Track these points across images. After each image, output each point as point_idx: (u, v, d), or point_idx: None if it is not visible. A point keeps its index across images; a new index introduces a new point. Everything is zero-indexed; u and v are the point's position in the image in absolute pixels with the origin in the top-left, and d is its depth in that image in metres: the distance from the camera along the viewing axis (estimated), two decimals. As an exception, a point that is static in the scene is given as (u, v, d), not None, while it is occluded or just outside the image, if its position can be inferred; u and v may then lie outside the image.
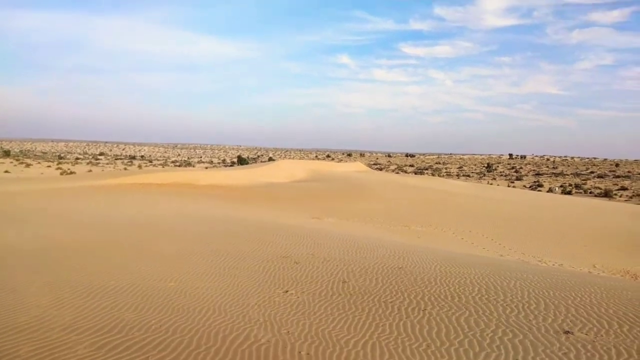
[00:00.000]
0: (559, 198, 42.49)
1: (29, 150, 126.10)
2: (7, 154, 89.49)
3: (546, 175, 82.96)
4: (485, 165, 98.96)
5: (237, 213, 18.63)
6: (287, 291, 6.81)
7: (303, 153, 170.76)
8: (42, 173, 54.53)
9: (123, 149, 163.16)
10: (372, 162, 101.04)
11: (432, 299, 6.72)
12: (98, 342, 4.59)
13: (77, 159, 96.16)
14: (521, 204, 31.55)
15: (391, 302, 6.52)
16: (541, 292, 7.27)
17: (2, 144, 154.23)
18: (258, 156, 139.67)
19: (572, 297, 7.02)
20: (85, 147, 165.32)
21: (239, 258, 8.93)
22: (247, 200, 25.21)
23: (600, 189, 59.99)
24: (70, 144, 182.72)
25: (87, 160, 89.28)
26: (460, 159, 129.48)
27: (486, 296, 6.95)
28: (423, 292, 7.04)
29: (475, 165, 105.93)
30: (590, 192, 58.16)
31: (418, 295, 6.85)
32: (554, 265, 17.86)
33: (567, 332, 5.50)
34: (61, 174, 54.36)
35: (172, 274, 7.47)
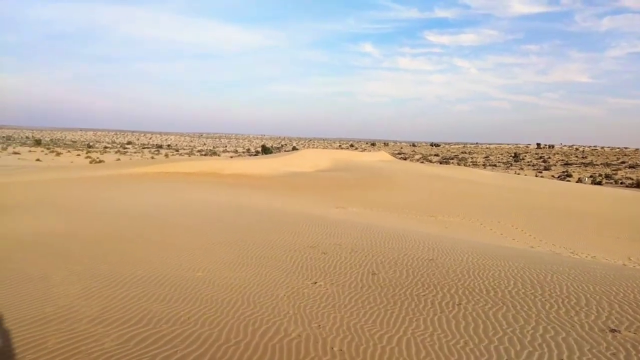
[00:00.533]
0: (589, 188, 41.34)
1: (59, 139, 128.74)
2: (38, 142, 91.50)
3: (575, 165, 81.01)
4: (512, 154, 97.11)
5: (263, 202, 18.53)
6: (315, 282, 6.63)
7: (327, 142, 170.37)
8: (71, 162, 55.56)
9: (150, 138, 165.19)
10: (396, 152, 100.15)
11: (467, 292, 6.46)
12: (125, 334, 4.48)
13: (106, 147, 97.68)
14: (550, 194, 30.78)
15: (424, 295, 6.28)
16: (580, 287, 6.93)
17: (33, 133, 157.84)
18: (282, 145, 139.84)
19: (613, 293, 6.67)
20: (113, 136, 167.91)
21: (267, 247, 8.79)
22: (272, 189, 25.10)
23: (632, 179, 58.21)
24: (99, 133, 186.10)
25: (115, 149, 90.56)
26: (487, 148, 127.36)
27: (523, 290, 6.65)
28: (457, 285, 6.78)
29: (501, 154, 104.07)
30: (622, 183, 56.49)
31: (452, 289, 6.59)
32: (586, 257, 17.34)
33: (613, 331, 5.18)
34: (90, 162, 55.32)
35: (200, 264, 7.36)
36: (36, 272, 6.42)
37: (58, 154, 66.38)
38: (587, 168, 76.23)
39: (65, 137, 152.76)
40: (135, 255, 7.79)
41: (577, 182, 56.48)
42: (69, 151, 74.08)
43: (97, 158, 61.78)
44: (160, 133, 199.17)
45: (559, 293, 6.55)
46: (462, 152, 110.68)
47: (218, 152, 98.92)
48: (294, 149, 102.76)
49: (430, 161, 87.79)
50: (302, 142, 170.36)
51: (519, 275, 7.54)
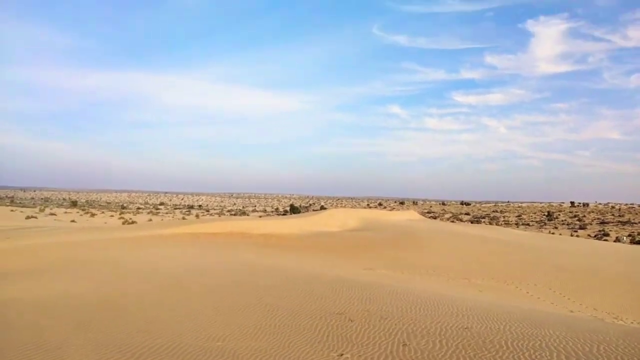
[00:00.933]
0: (628, 248, 39.51)
1: (94, 201, 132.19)
2: (74, 204, 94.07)
3: (612, 224, 78.13)
4: (546, 213, 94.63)
5: (290, 263, 18.18)
6: (342, 355, 6.21)
7: (355, 201, 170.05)
8: (105, 222, 56.57)
9: (182, 199, 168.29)
10: (425, 211, 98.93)
11: (506, 367, 5.93)
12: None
13: (139, 208, 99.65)
14: (588, 255, 29.43)
15: (459, 370, 5.79)
16: (632, 361, 6.31)
17: (70, 194, 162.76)
18: (310, 205, 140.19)
19: (671, 368, 6.02)
20: (146, 197, 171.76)
21: (291, 313, 8.42)
22: (300, 249, 24.76)
23: (675, 238, 55.61)
24: (133, 194, 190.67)
25: (148, 210, 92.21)
26: (519, 207, 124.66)
27: (568, 365, 6.08)
28: (494, 358, 6.25)
29: (534, 213, 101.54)
30: (662, 242, 53.98)
31: (489, 363, 6.07)
32: (632, 323, 16.22)
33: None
34: (123, 223, 56.17)
35: (220, 331, 7.04)
36: (54, 339, 6.23)
37: (92, 214, 67.84)
38: (625, 227, 73.40)
39: (101, 198, 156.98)
40: (155, 322, 7.54)
41: (614, 241, 54.20)
42: (103, 212, 75.70)
43: (130, 219, 62.81)
44: (192, 194, 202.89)
45: (608, 368, 5.96)
46: (493, 211, 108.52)
47: (247, 212, 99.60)
48: (322, 208, 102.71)
49: (461, 220, 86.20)
50: (331, 201, 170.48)
51: (562, 346, 6.94)
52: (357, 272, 17.97)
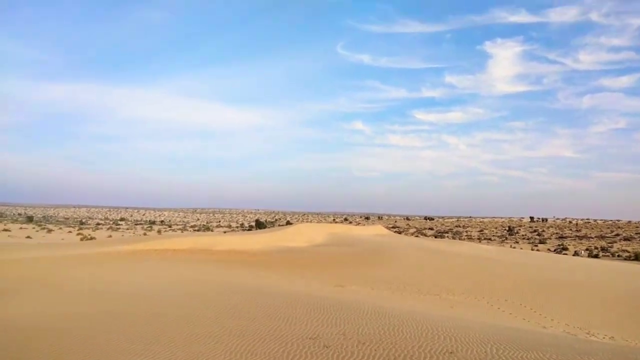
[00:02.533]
0: (589, 262, 40.12)
1: (51, 216, 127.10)
2: (30, 219, 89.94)
3: (570, 238, 79.99)
4: (507, 228, 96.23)
5: (255, 281, 17.23)
6: (319, 389, 5.38)
7: (321, 216, 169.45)
8: (62, 239, 53.98)
9: (143, 215, 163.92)
10: (390, 225, 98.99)
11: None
12: None
13: (98, 224, 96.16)
14: (553, 269, 29.52)
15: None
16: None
17: (25, 209, 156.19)
18: (276, 220, 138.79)
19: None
20: (106, 213, 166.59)
21: (259, 339, 7.50)
22: (266, 266, 23.82)
23: (629, 252, 57.08)
24: (92, 209, 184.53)
25: (108, 226, 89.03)
26: (481, 222, 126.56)
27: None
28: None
29: (496, 228, 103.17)
30: (619, 255, 55.32)
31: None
32: (603, 338, 15.97)
33: None
34: (81, 239, 53.70)
35: (178, 363, 6.09)
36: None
37: (49, 230, 64.82)
38: (582, 241, 75.22)
39: (58, 213, 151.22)
40: (114, 352, 6.53)
41: (573, 255, 55.16)
42: (60, 228, 72.51)
43: (89, 235, 60.22)
44: (154, 209, 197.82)
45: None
46: (456, 226, 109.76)
47: (211, 227, 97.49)
48: (288, 223, 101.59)
49: (425, 235, 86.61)
50: (297, 216, 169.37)
51: (558, 372, 6.31)
52: (328, 289, 17.18)
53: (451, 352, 7.08)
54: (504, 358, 6.92)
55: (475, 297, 20.18)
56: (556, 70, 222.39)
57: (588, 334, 16.45)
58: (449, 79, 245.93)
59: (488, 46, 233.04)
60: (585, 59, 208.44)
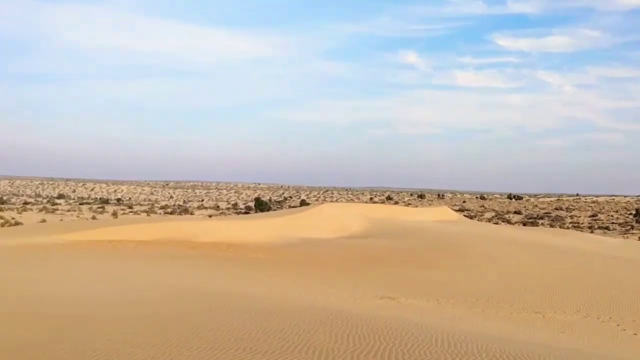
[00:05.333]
0: None
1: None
2: None
3: None
4: (634, 211, 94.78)
5: (263, 290, 16.87)
6: None
7: (351, 194, 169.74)
8: (-30, 225, 54.83)
9: (92, 190, 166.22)
10: (456, 207, 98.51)
11: None
12: None
13: (26, 203, 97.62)
14: None
15: None
16: None
17: None
18: (285, 199, 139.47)
19: None
20: (38, 187, 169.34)
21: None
22: (273, 266, 23.72)
23: None
24: (18, 181, 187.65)
25: (40, 206, 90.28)
26: (593, 202, 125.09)
27: None
28: None
29: (617, 211, 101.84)
30: None
31: None
32: None
33: None
34: (1, 225, 54.49)
35: None
36: None
37: (-47, 212, 65.92)
38: None
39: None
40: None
41: None
42: (-30, 209, 73.73)
43: (13, 219, 61.08)
44: (107, 182, 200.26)
45: None
46: (555, 209, 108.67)
47: (191, 209, 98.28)
48: (304, 203, 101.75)
49: (509, 221, 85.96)
50: (315, 192, 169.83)
51: None
52: (372, 303, 16.80)
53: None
54: None
55: (598, 316, 19.70)
56: None
57: None
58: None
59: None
60: None
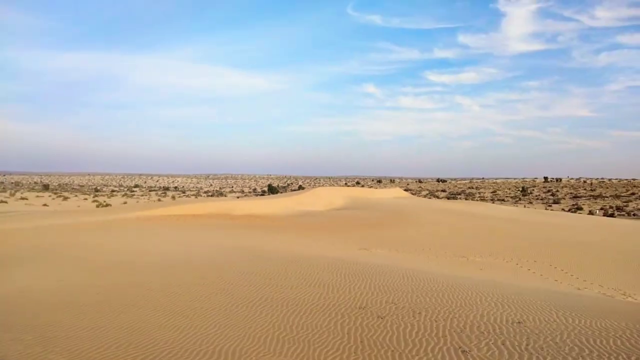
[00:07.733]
0: (608, 221, 39.19)
1: (67, 184, 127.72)
2: (46, 187, 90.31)
3: (584, 198, 78.79)
4: (520, 189, 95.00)
5: (281, 245, 16.64)
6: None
7: (332, 180, 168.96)
8: (78, 206, 53.91)
9: (157, 181, 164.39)
10: (402, 188, 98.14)
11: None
12: None
13: (113, 191, 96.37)
14: (575, 228, 28.68)
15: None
16: None
17: (41, 178, 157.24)
18: (288, 185, 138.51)
19: None
20: (120, 180, 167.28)
21: (304, 310, 6.84)
22: (287, 230, 23.25)
23: (647, 210, 56.01)
24: (107, 177, 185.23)
25: (123, 193, 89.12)
26: (494, 183, 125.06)
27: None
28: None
29: (509, 189, 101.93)
30: (634, 215, 54.28)
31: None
32: (642, 299, 15.29)
33: None
34: (97, 206, 53.58)
35: (217, 340, 5.45)
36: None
37: (65, 198, 64.83)
38: (597, 200, 74.06)
39: (73, 181, 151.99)
40: (138, 326, 5.91)
41: (588, 214, 54.09)
42: (76, 195, 72.61)
43: (104, 202, 60.15)
44: (167, 175, 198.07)
45: None
46: (468, 188, 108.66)
47: (225, 193, 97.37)
48: (301, 187, 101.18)
49: (438, 197, 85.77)
50: (308, 180, 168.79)
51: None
52: (354, 253, 16.54)
53: (519, 322, 6.36)
54: (580, 327, 6.20)
55: (504, 258, 19.49)
56: (572, 28, 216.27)
57: (624, 295, 15.77)
58: (462, 38, 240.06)
59: (502, 4, 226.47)
60: (602, 16, 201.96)
